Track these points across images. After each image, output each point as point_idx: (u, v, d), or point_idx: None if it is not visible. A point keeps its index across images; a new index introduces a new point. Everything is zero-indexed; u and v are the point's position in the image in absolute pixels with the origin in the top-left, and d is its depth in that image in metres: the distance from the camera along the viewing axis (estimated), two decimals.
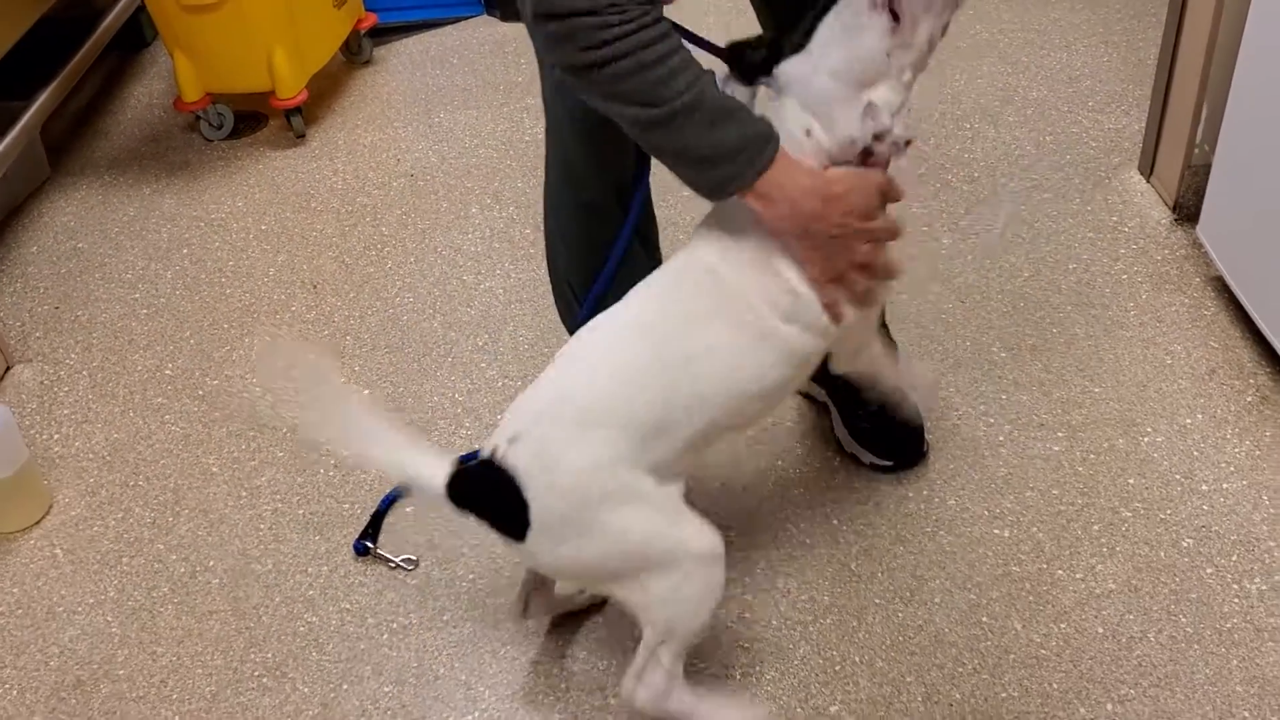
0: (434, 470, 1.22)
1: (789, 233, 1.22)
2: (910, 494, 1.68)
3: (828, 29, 1.20)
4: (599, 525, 1.19)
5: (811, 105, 1.21)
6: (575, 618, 1.54)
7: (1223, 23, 1.94)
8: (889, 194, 1.24)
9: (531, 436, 1.20)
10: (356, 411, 1.24)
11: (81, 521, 1.78)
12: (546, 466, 1.19)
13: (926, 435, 1.72)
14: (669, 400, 1.22)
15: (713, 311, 1.24)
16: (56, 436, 1.95)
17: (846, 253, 1.23)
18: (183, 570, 1.68)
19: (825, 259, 1.23)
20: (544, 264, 1.70)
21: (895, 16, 1.18)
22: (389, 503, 1.72)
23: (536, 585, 1.44)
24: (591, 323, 1.29)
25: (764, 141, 1.19)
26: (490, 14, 3.25)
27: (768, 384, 1.27)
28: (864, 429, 1.71)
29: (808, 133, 1.21)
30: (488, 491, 1.20)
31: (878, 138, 1.19)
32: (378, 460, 1.24)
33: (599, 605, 1.55)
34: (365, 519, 1.72)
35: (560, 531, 1.19)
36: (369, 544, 1.66)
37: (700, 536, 1.25)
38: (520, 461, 1.19)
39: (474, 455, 1.24)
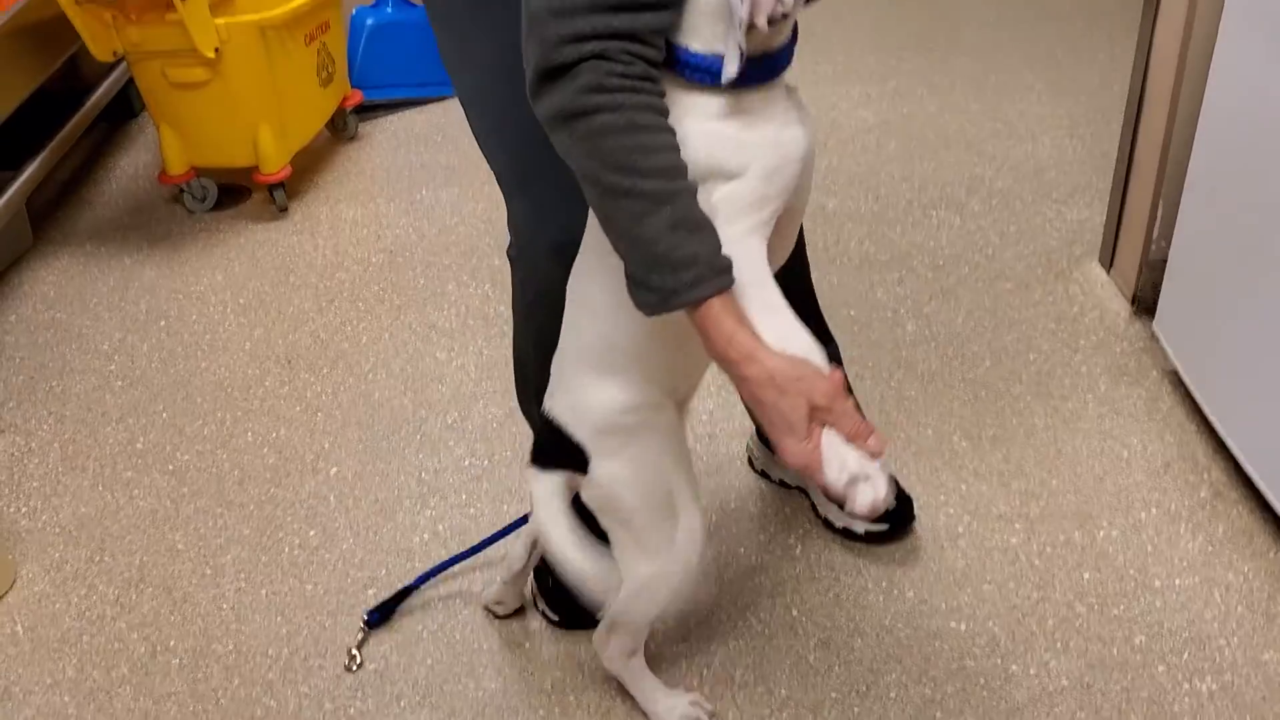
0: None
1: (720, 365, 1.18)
2: (869, 585, 1.69)
3: None
4: (628, 453, 1.35)
5: None
6: (530, 705, 1.55)
7: (1177, 124, 2.00)
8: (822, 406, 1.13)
9: (562, 390, 1.37)
10: None
11: (44, 597, 1.79)
12: (578, 412, 1.35)
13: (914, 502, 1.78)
14: (648, 331, 1.28)
15: None
16: (24, 509, 1.96)
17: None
18: (143, 650, 1.68)
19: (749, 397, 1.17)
20: None
21: None
22: (420, 582, 1.73)
23: (512, 578, 1.64)
24: (575, 268, 1.35)
25: (719, 272, 1.12)
26: None
27: None
28: None
29: None
30: (554, 440, 1.37)
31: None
32: None
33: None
34: (328, 599, 1.73)
35: (605, 452, 1.35)
36: (376, 617, 1.69)
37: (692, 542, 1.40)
38: (559, 413, 1.37)
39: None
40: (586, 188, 1.14)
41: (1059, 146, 2.75)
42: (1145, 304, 2.17)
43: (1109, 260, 2.30)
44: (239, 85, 2.61)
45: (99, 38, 2.54)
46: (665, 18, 1.10)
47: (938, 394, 2.04)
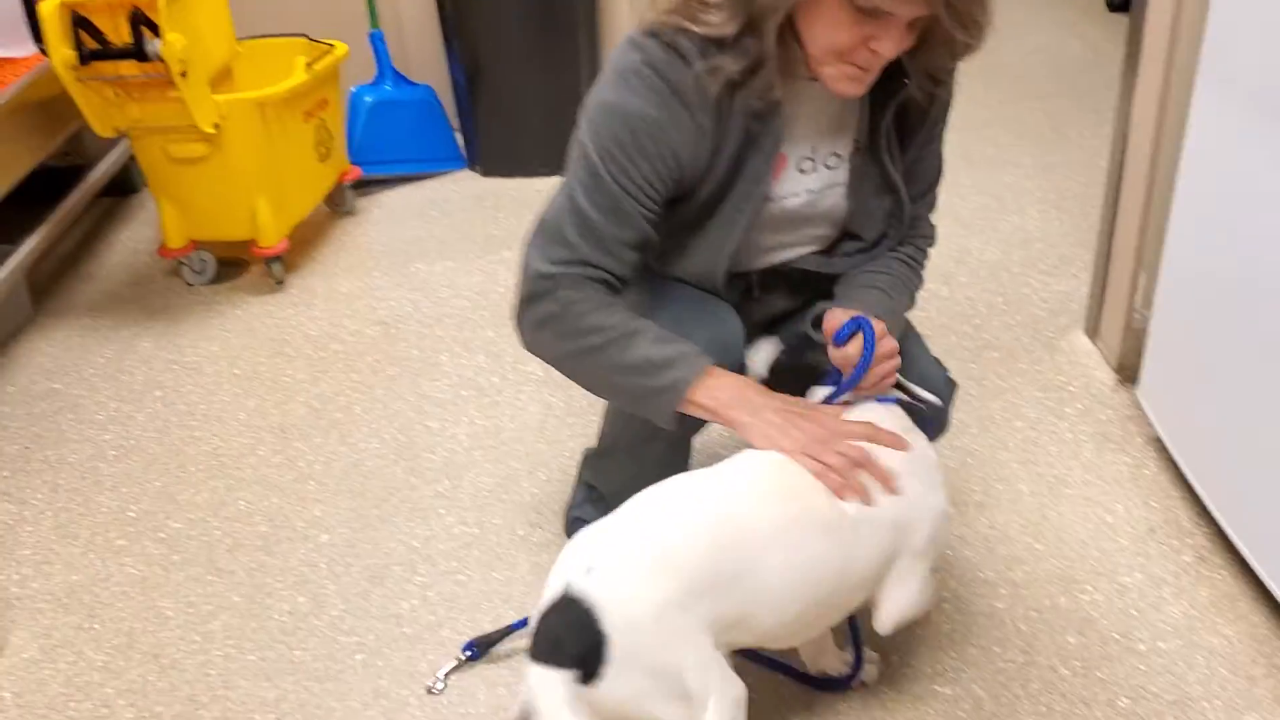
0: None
1: (748, 424, 1.36)
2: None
3: None
4: (661, 664, 1.19)
5: None
6: None
7: (1154, 197, 2.05)
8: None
9: (608, 569, 1.21)
10: None
11: (33, 664, 1.79)
12: (623, 598, 1.19)
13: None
14: (738, 572, 1.25)
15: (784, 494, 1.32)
16: (15, 577, 1.97)
17: (805, 425, 1.36)
18: (130, 716, 1.68)
19: (783, 432, 1.35)
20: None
21: None
22: (523, 624, 1.74)
23: None
24: (681, 478, 1.34)
25: (699, 354, 1.37)
26: (471, 169, 3.39)
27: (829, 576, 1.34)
28: None
29: None
30: (565, 627, 1.18)
31: None
32: None
33: None
34: (316, 665, 1.73)
35: (631, 666, 1.18)
36: (475, 653, 1.71)
37: None
38: (598, 591, 1.19)
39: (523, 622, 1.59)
40: (578, 373, 1.44)
41: (1045, 219, 2.80)
42: (1129, 372, 2.19)
43: (1094, 329, 2.33)
44: (238, 160, 2.67)
45: (101, 114, 2.60)
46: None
47: None
